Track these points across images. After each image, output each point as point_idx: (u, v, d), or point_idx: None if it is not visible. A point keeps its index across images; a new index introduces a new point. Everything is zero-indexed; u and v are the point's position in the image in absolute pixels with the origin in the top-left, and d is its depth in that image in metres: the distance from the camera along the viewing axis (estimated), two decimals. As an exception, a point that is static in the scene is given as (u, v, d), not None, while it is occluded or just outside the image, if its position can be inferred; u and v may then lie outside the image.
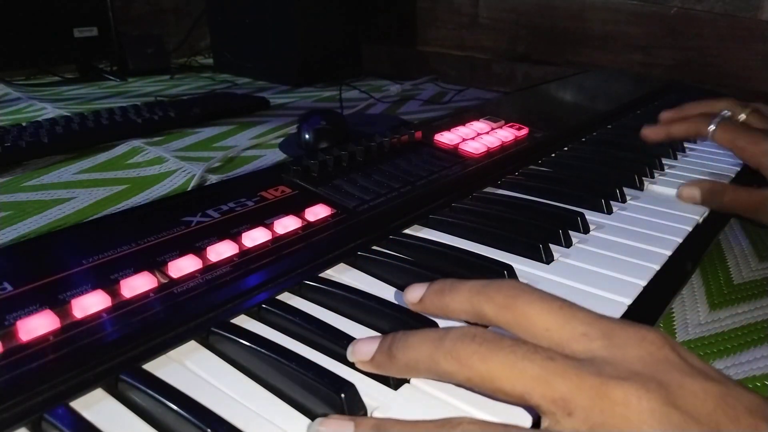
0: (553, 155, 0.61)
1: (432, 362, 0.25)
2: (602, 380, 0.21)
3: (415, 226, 0.44)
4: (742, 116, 0.57)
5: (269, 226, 0.38)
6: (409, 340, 0.26)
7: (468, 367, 0.23)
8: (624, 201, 0.49)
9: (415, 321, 0.30)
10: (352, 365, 0.28)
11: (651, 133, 0.59)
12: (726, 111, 0.56)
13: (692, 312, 0.40)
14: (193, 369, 0.28)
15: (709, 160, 0.61)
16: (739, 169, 0.58)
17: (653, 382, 0.21)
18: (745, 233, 0.52)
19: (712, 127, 0.53)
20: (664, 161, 0.59)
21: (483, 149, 0.55)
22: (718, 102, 0.58)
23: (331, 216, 0.41)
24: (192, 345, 0.30)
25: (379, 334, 0.30)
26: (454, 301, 0.28)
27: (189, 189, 0.60)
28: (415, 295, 0.30)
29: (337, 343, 0.29)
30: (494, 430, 0.22)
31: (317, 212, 0.41)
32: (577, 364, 0.22)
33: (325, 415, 0.25)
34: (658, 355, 0.23)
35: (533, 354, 0.23)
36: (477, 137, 0.58)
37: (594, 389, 0.21)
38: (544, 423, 0.23)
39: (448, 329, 0.25)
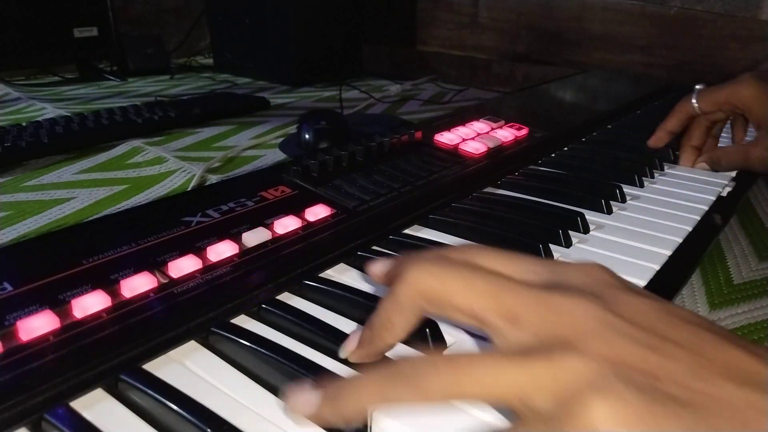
0: (553, 155, 0.61)
1: (393, 298, 0.26)
2: (548, 294, 0.23)
3: (415, 226, 0.44)
4: None
5: (269, 226, 0.38)
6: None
7: (423, 284, 0.25)
8: (624, 201, 0.49)
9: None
10: (352, 365, 0.28)
11: (654, 140, 0.61)
12: (698, 85, 0.58)
13: (692, 312, 0.40)
14: (193, 369, 0.28)
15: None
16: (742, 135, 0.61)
17: (595, 296, 0.23)
18: (745, 233, 0.52)
19: (694, 101, 0.57)
20: (665, 162, 0.59)
21: (483, 149, 0.55)
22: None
23: (331, 216, 0.41)
24: (192, 345, 0.30)
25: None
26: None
27: (189, 189, 0.60)
28: (379, 268, 0.30)
29: (336, 343, 0.29)
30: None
31: (317, 212, 0.41)
32: (525, 284, 0.24)
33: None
34: (598, 277, 0.25)
35: (485, 273, 0.25)
36: (477, 137, 0.58)
37: (540, 302, 0.23)
38: (495, 335, 0.24)
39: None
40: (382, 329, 0.27)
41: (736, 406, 0.19)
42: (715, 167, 0.57)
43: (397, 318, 0.26)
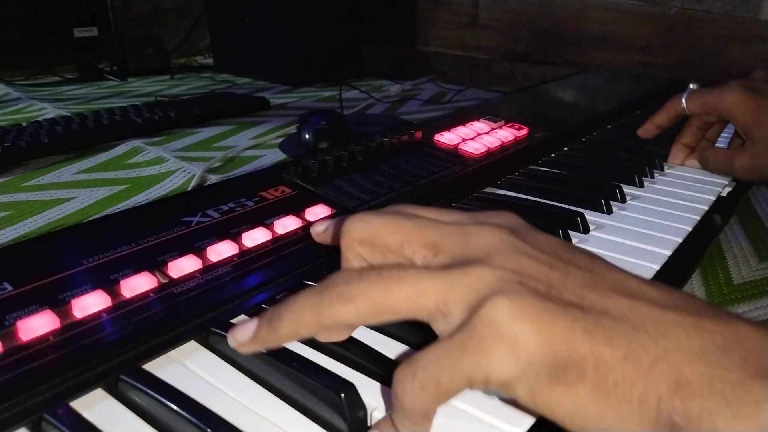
0: (553, 155, 0.61)
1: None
2: (466, 226, 0.26)
3: (415, 226, 0.44)
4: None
5: (269, 226, 0.38)
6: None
7: (358, 231, 0.27)
8: (624, 201, 0.49)
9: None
10: (352, 365, 0.28)
11: (642, 130, 0.62)
12: (692, 85, 0.59)
13: (692, 312, 0.40)
14: (193, 369, 0.28)
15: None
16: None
17: (505, 228, 0.26)
18: (745, 233, 0.52)
19: (683, 101, 0.57)
20: (665, 162, 0.59)
21: (483, 149, 0.55)
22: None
23: (331, 216, 0.41)
24: (192, 345, 0.30)
25: (373, 332, 0.30)
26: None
27: (189, 189, 0.60)
28: (320, 227, 0.34)
29: (337, 344, 0.29)
30: (366, 268, 0.25)
31: (317, 212, 0.41)
32: (447, 222, 0.27)
33: (325, 416, 0.25)
34: (512, 219, 0.28)
35: (414, 217, 0.28)
36: (477, 137, 0.58)
37: (458, 231, 0.26)
38: (420, 264, 0.26)
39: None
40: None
41: (627, 315, 0.21)
42: (704, 166, 0.58)
43: (344, 266, 0.28)
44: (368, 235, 0.27)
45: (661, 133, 0.62)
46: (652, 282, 0.24)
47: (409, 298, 0.23)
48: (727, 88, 0.53)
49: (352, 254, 0.28)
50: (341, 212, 0.41)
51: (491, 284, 0.22)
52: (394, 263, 0.26)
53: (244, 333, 0.27)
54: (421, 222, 0.27)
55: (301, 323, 0.25)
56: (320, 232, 0.34)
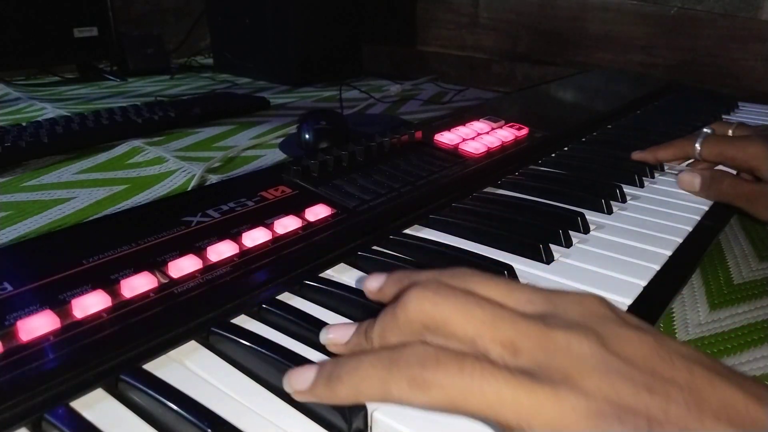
0: (553, 155, 0.61)
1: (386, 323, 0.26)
2: (547, 328, 0.23)
3: (415, 226, 0.44)
4: (729, 132, 0.58)
5: (269, 226, 0.38)
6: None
7: (423, 311, 0.25)
8: (624, 201, 0.49)
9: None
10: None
11: (639, 155, 0.58)
12: (707, 129, 0.56)
13: (692, 312, 0.40)
14: (193, 369, 0.28)
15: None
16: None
17: (591, 331, 0.23)
18: (745, 233, 0.52)
19: (697, 146, 0.54)
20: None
21: (483, 149, 0.55)
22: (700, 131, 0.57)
23: (331, 216, 0.41)
24: (192, 345, 0.30)
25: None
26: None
27: (189, 189, 0.60)
28: (374, 284, 0.30)
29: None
30: (445, 352, 0.23)
31: (317, 212, 0.41)
32: (524, 314, 0.24)
33: (326, 416, 0.25)
34: (596, 311, 0.25)
35: (485, 302, 0.25)
36: (477, 137, 0.58)
37: (538, 335, 0.23)
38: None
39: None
40: (377, 344, 0.26)
41: None
42: (708, 189, 0.50)
43: (393, 339, 0.26)
44: (434, 320, 0.25)
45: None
46: (762, 397, 0.21)
47: (490, 405, 0.22)
48: (747, 140, 0.51)
49: (412, 332, 0.25)
50: (341, 212, 0.41)
51: (586, 420, 0.20)
52: (472, 354, 0.23)
53: (301, 382, 0.25)
54: (495, 312, 0.24)
55: (362, 392, 0.24)
56: (374, 291, 0.30)
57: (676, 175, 0.52)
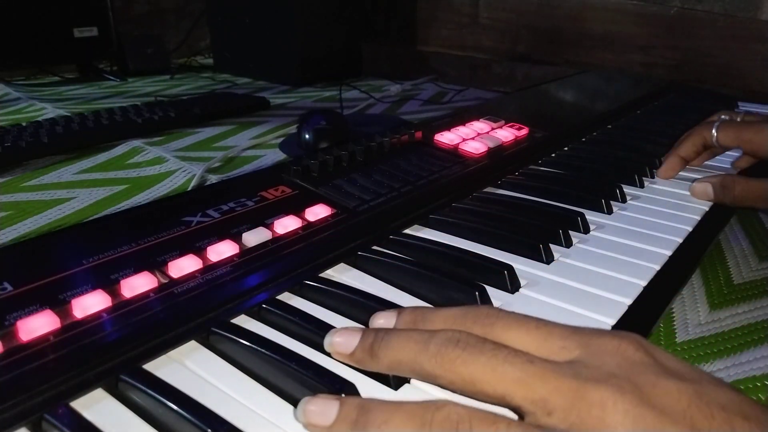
0: (553, 155, 0.61)
1: (416, 364, 0.25)
2: (579, 383, 0.22)
3: (415, 226, 0.44)
4: (738, 119, 0.58)
5: (269, 226, 0.38)
6: (392, 341, 0.26)
7: (451, 371, 0.24)
8: (624, 201, 0.49)
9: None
10: (352, 365, 0.28)
11: (665, 169, 0.56)
12: (723, 116, 0.56)
13: (692, 312, 0.40)
14: (193, 369, 0.28)
15: (710, 161, 0.61)
16: (744, 165, 0.59)
17: (628, 384, 0.22)
18: (745, 233, 0.52)
19: (714, 132, 0.54)
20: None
21: (483, 149, 0.55)
22: (710, 118, 0.58)
23: (331, 216, 0.41)
24: (192, 345, 0.30)
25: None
26: None
27: (189, 189, 0.60)
28: (382, 321, 0.29)
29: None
30: (478, 416, 0.22)
31: (317, 212, 0.41)
32: (556, 368, 0.23)
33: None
34: (633, 358, 0.24)
35: (514, 357, 0.24)
36: (477, 137, 0.58)
37: (572, 391, 0.22)
38: (527, 419, 0.23)
39: (432, 332, 0.26)
40: (387, 368, 0.27)
41: None
42: (723, 196, 0.49)
43: (408, 374, 0.26)
44: (462, 380, 0.24)
45: (685, 165, 0.57)
46: None
47: None
48: (762, 124, 0.52)
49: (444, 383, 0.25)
50: (341, 212, 0.41)
51: None
52: (504, 421, 0.22)
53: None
54: (525, 369, 0.23)
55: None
56: (382, 324, 0.29)
57: (690, 184, 0.52)
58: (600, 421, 0.21)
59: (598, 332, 0.25)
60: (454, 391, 0.25)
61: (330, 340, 0.28)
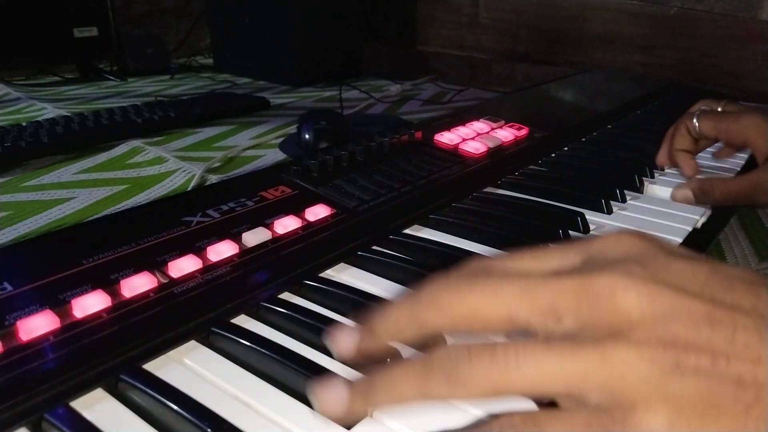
0: (553, 155, 0.61)
1: (413, 316, 0.24)
2: (583, 277, 0.21)
3: (415, 226, 0.44)
4: (719, 108, 0.59)
5: (269, 226, 0.38)
6: (388, 312, 0.24)
7: (449, 309, 0.23)
8: (624, 201, 0.49)
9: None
10: (352, 365, 0.28)
11: (660, 158, 0.58)
12: (704, 106, 0.57)
13: (692, 312, 0.40)
14: (193, 369, 0.28)
15: (710, 160, 0.61)
16: (743, 163, 0.58)
17: (636, 266, 0.21)
18: (745, 233, 0.52)
19: (695, 122, 0.55)
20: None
21: (483, 149, 0.55)
22: (693, 107, 0.58)
23: (331, 216, 0.41)
24: (192, 345, 0.30)
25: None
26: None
27: (189, 189, 0.60)
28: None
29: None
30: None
31: (317, 212, 0.41)
32: (557, 273, 0.22)
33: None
34: (639, 246, 0.22)
35: (509, 276, 0.22)
36: (477, 137, 0.58)
37: (576, 288, 0.21)
38: (540, 337, 0.22)
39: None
40: (388, 330, 0.25)
41: None
42: (704, 200, 0.48)
43: (408, 336, 0.24)
44: (464, 315, 0.22)
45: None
46: None
47: (534, 383, 0.20)
48: (742, 114, 0.52)
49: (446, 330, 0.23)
50: (341, 212, 0.41)
51: (638, 373, 0.18)
52: (506, 344, 0.21)
53: (335, 404, 0.23)
54: (524, 282, 0.22)
55: (399, 394, 0.22)
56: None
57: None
58: (612, 310, 0.20)
59: (596, 236, 0.24)
60: (461, 334, 0.24)
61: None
